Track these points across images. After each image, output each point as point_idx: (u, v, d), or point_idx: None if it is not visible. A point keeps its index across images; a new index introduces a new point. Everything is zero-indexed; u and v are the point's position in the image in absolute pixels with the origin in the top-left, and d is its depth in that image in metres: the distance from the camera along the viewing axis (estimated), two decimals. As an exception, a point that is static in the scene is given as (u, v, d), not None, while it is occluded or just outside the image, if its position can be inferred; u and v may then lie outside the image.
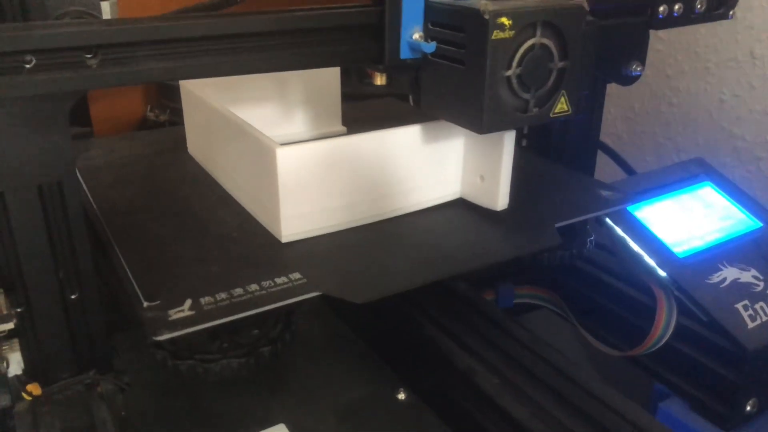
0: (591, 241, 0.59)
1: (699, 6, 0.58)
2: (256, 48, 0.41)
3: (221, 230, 0.47)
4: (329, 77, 0.64)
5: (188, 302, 0.37)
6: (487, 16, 0.39)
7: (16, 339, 0.40)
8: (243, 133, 0.48)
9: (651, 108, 1.00)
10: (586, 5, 0.43)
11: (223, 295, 0.38)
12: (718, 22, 0.62)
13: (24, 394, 0.40)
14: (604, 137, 0.90)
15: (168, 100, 1.09)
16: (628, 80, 0.61)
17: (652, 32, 0.59)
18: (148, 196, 0.53)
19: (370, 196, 0.47)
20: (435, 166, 0.50)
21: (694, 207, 0.62)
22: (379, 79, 0.48)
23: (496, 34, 0.39)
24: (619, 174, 0.78)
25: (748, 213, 0.62)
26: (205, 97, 0.55)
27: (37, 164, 0.37)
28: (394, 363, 0.48)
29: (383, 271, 0.42)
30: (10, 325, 0.39)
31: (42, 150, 0.36)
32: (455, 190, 0.52)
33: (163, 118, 1.06)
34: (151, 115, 1.08)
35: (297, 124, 0.64)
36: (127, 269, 0.42)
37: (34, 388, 0.41)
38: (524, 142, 0.66)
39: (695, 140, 0.96)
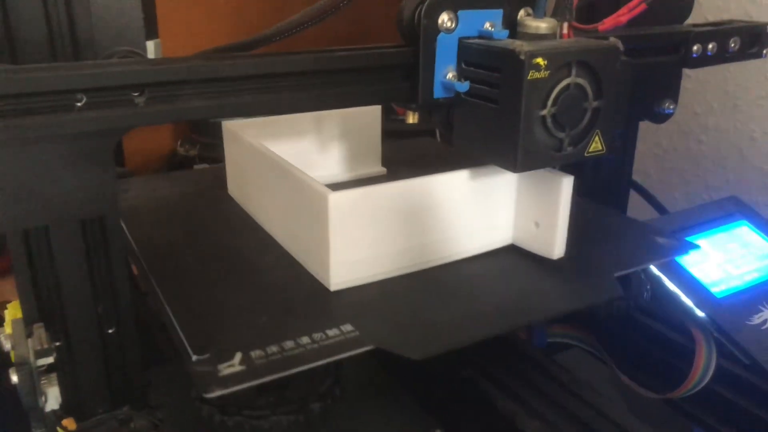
0: (648, 290, 0.57)
1: (733, 45, 0.58)
2: (296, 87, 0.41)
3: (266, 277, 0.46)
4: (370, 116, 0.64)
5: (238, 356, 0.36)
6: (523, 57, 0.39)
7: (55, 374, 0.40)
8: (290, 176, 0.47)
9: (679, 145, 1.00)
10: (620, 45, 0.43)
11: (274, 349, 0.36)
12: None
13: (59, 429, 0.41)
14: (633, 175, 0.90)
15: (198, 135, 1.11)
16: (661, 118, 0.61)
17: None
18: (189, 238, 0.52)
19: (420, 242, 0.46)
20: (487, 212, 0.49)
21: (731, 246, 0.61)
22: (412, 118, 0.48)
23: (532, 74, 0.39)
24: (648, 211, 0.77)
25: (786, 253, 0.61)
26: (247, 137, 0.55)
27: (82, 199, 0.37)
28: (435, 407, 0.47)
29: (438, 324, 0.41)
30: (50, 359, 0.39)
31: (87, 185, 0.37)
32: (507, 236, 0.51)
33: (193, 153, 1.08)
34: (181, 150, 1.10)
35: (336, 163, 0.64)
36: (173, 318, 0.40)
37: (69, 423, 0.41)
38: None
39: (725, 178, 0.95)
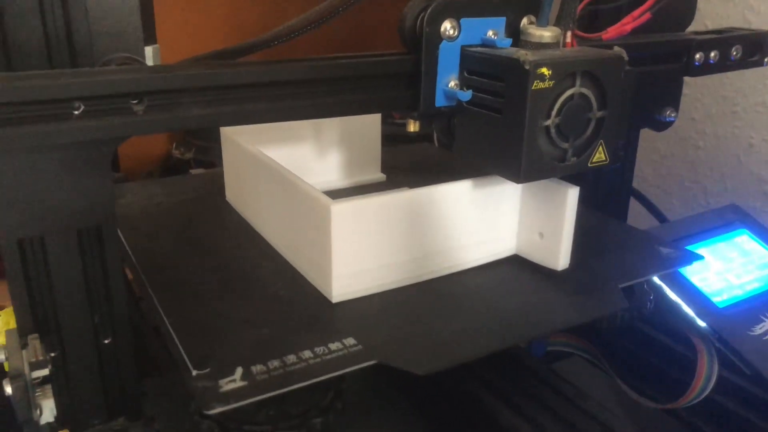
0: (651, 300, 0.56)
1: (735, 53, 0.58)
2: (296, 95, 0.40)
3: (267, 288, 0.45)
4: (369, 122, 0.63)
5: (239, 371, 0.35)
6: (527, 67, 0.38)
7: (49, 385, 0.39)
8: (291, 185, 0.46)
9: (677, 151, 1.00)
10: (625, 55, 0.43)
11: (275, 363, 0.36)
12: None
13: (55, 442, 0.40)
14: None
15: (193, 138, 1.10)
16: (662, 126, 0.61)
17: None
18: (187, 247, 0.51)
19: (423, 252, 0.45)
20: (491, 222, 0.48)
21: (732, 255, 0.61)
22: (413, 126, 0.47)
23: (536, 84, 0.38)
24: (647, 219, 0.77)
25: (787, 262, 0.61)
26: (245, 143, 0.54)
27: (79, 208, 0.37)
28: (437, 420, 0.46)
29: (442, 338, 0.40)
30: (45, 371, 0.38)
31: (84, 194, 0.36)
32: (511, 246, 0.50)
33: (188, 156, 1.07)
34: (176, 152, 1.10)
35: (334, 169, 0.63)
36: (172, 331, 0.40)
37: (65, 435, 0.40)
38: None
39: (723, 184, 0.95)
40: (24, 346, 0.38)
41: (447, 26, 0.41)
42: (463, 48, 0.43)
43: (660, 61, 0.56)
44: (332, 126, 0.61)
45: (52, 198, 0.36)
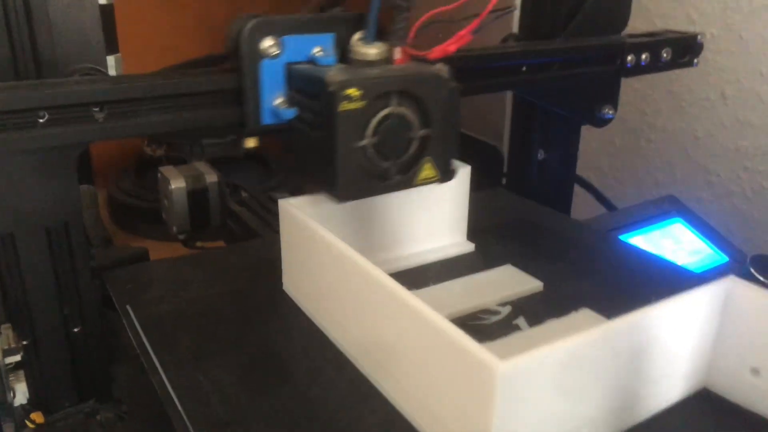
0: None
1: (665, 55, 0.62)
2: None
3: None
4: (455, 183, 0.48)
5: None
6: (331, 88, 0.37)
7: (22, 370, 0.43)
8: (416, 314, 0.32)
9: (631, 144, 1.05)
10: (445, 73, 0.41)
11: None
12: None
13: (28, 423, 0.43)
14: (588, 171, 0.94)
15: (164, 135, 1.13)
16: (601, 122, 0.65)
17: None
18: (247, 377, 0.38)
19: (607, 410, 0.33)
20: (693, 350, 0.36)
21: (665, 243, 0.65)
22: (252, 142, 0.45)
23: (344, 105, 0.37)
24: (597, 207, 0.81)
25: (715, 248, 0.65)
26: (325, 233, 0.39)
27: (47, 207, 0.40)
28: None
29: None
30: (17, 358, 0.41)
31: (51, 195, 0.40)
32: (699, 378, 0.37)
33: (159, 153, 1.10)
34: (148, 150, 1.12)
35: (414, 239, 0.51)
36: None
37: (38, 417, 0.43)
38: (504, 181, 0.69)
39: (673, 175, 1.00)
40: (-3, 334, 0.42)
41: (268, 44, 0.41)
42: (288, 65, 0.42)
43: (594, 63, 0.60)
44: (410, 192, 0.47)
45: (21, 198, 0.39)
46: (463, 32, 0.41)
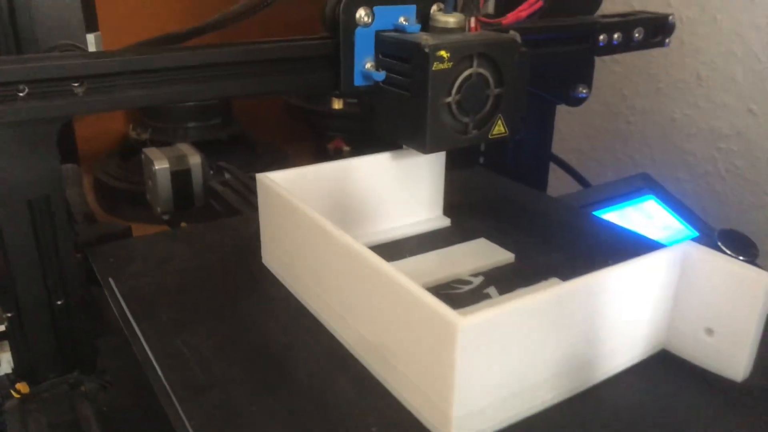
0: None
1: (637, 35, 0.64)
2: (226, 76, 0.45)
3: (348, 413, 0.34)
4: (431, 159, 0.52)
5: None
6: (427, 50, 0.43)
7: (7, 341, 0.44)
8: (386, 279, 0.33)
9: (610, 125, 1.06)
10: (518, 38, 0.47)
11: None
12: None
13: (13, 393, 0.44)
14: (568, 152, 0.96)
15: (149, 119, 1.13)
16: (576, 102, 0.66)
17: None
18: (226, 346, 0.39)
19: (567, 367, 0.34)
20: (648, 314, 0.37)
21: (637, 219, 0.67)
22: (337, 104, 0.52)
23: (437, 66, 0.43)
24: (574, 186, 0.83)
25: (686, 223, 0.67)
26: (300, 204, 0.40)
27: (29, 181, 0.41)
28: None
29: None
30: (1, 328, 0.42)
31: (33, 168, 0.41)
32: (658, 339, 0.39)
33: (144, 137, 1.10)
34: (133, 133, 1.13)
35: (391, 215, 0.53)
36: None
37: (23, 387, 0.44)
38: (482, 159, 0.71)
39: (651, 156, 1.01)
40: (-18, 306, 0.43)
41: (362, 13, 0.47)
42: (377, 33, 0.48)
43: (567, 43, 0.61)
44: (387, 167, 0.51)
45: (2, 171, 0.40)
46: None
